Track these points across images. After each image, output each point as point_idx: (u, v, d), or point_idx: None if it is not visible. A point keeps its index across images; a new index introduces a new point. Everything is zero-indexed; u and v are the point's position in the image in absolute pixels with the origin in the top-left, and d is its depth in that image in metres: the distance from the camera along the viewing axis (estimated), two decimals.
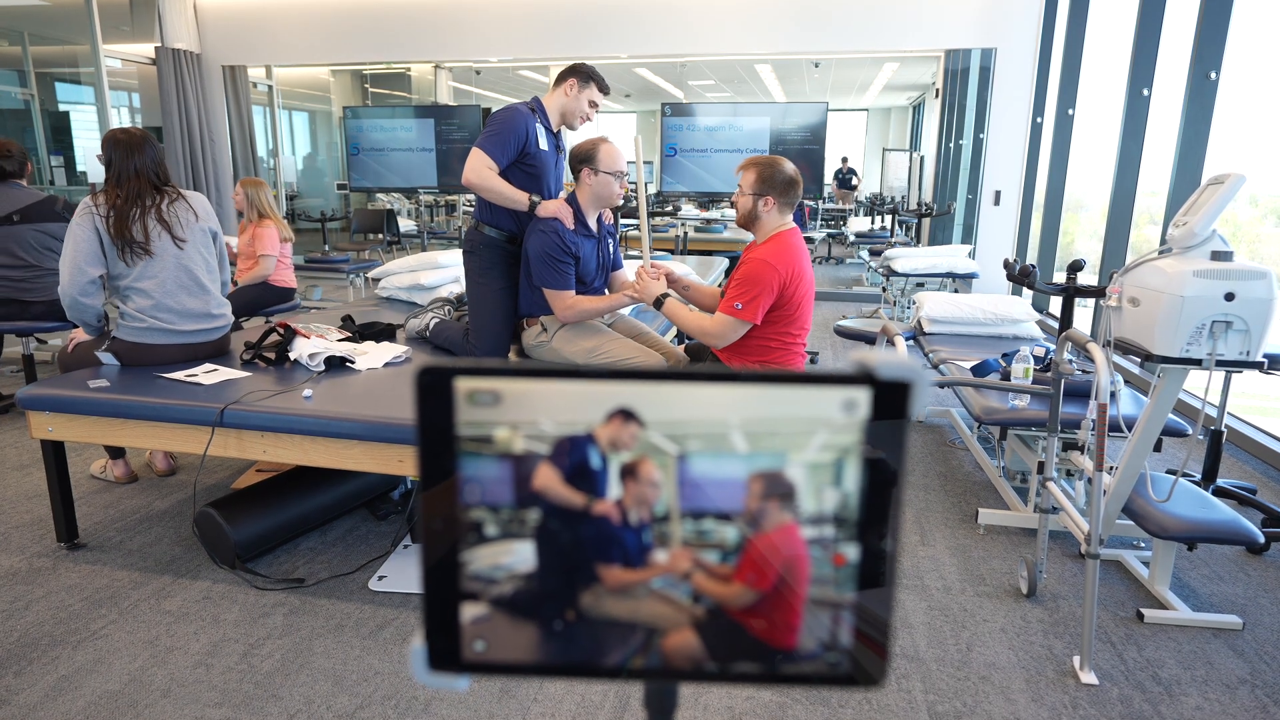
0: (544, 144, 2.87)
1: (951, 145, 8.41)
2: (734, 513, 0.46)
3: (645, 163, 10.89)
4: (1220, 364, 1.79)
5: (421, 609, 0.48)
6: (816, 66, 10.80)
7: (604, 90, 2.92)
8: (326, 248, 7.94)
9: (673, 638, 0.48)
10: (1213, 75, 3.85)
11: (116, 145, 2.60)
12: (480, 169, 2.73)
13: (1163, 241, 1.99)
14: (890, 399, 0.43)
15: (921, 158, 9.36)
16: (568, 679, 0.49)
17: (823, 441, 0.44)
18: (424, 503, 0.46)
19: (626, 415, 0.44)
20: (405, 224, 9.62)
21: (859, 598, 0.47)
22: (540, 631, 0.47)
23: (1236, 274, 1.74)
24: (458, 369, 0.44)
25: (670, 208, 9.20)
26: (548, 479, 0.45)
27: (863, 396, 0.44)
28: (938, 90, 7.62)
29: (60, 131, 8.55)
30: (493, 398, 0.44)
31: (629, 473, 0.46)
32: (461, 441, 0.45)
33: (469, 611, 0.47)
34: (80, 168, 8.32)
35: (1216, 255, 1.79)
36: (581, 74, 2.87)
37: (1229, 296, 1.73)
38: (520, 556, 0.46)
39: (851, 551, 0.45)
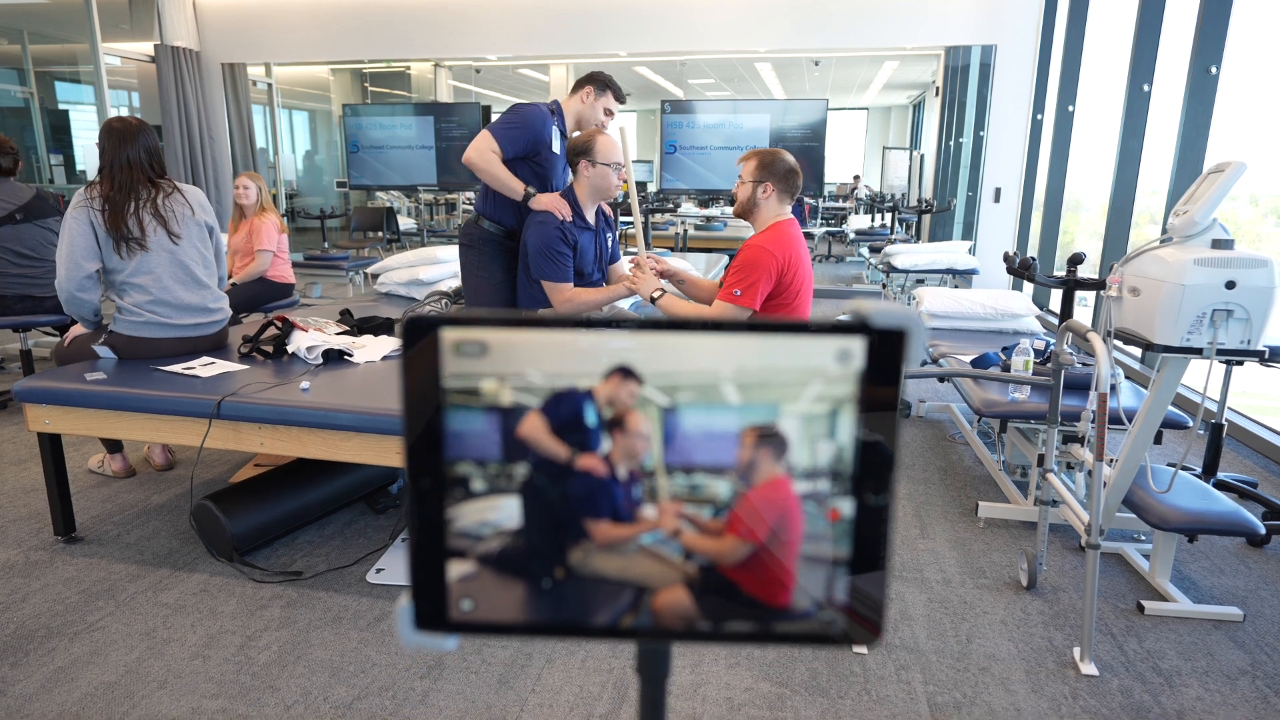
0: (556, 147, 2.91)
1: (952, 143, 8.41)
2: (725, 466, 0.45)
3: (645, 162, 10.90)
4: (1221, 353, 1.78)
5: (407, 567, 0.47)
6: (816, 64, 10.80)
7: (620, 99, 2.98)
8: (326, 245, 7.95)
9: (664, 596, 0.47)
10: (1213, 70, 3.84)
11: (110, 134, 2.59)
12: (484, 150, 2.75)
13: (1164, 233, 1.98)
14: (885, 349, 0.43)
15: (921, 156, 9.36)
16: (556, 638, 0.48)
17: (817, 393, 0.43)
18: (409, 457, 0.45)
19: (626, 373, 0.44)
20: (405, 222, 9.62)
21: (854, 556, 0.46)
22: (528, 590, 0.47)
23: (1237, 262, 1.73)
24: (444, 318, 0.43)
25: (670, 205, 9.20)
26: (534, 428, 0.45)
27: (857, 346, 0.43)
28: (938, 88, 7.62)
29: (60, 130, 8.56)
30: (480, 348, 0.43)
31: (616, 425, 0.45)
32: (448, 393, 0.44)
33: (456, 569, 0.46)
34: (80, 166, 8.32)
35: (1217, 244, 1.78)
36: (598, 82, 2.94)
37: (1230, 285, 1.72)
38: (507, 512, 0.45)
39: (846, 507, 0.44)
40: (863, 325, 0.43)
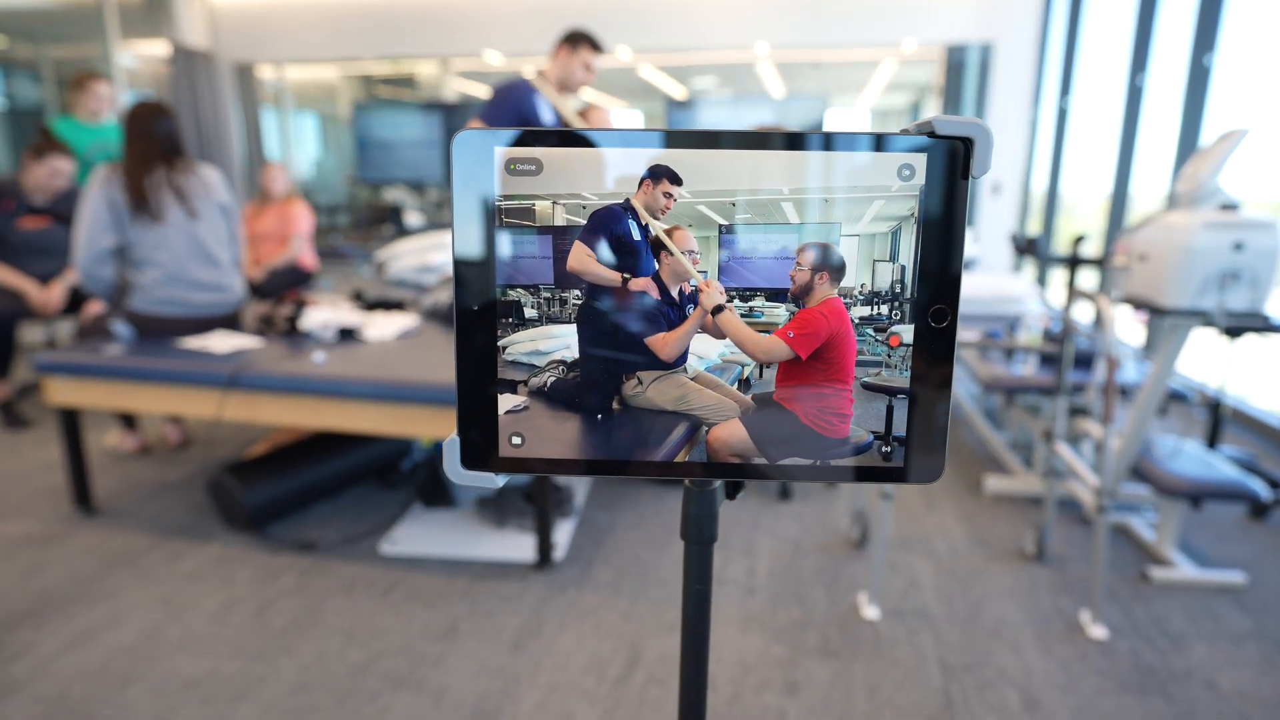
0: (548, 116, 2.89)
1: None
2: (781, 288, 0.44)
3: None
4: (1228, 317, 1.80)
5: (456, 401, 0.46)
6: (816, 67, 10.86)
7: (597, 49, 2.92)
8: (336, 238, 8.00)
9: (720, 430, 0.45)
10: (1209, 62, 3.85)
11: (131, 114, 2.65)
12: None
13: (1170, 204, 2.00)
14: (950, 159, 0.41)
15: None
16: (609, 475, 0.47)
17: (877, 211, 0.42)
18: (459, 283, 0.43)
19: (658, 175, 0.41)
20: (413, 219, 9.68)
21: (915, 387, 0.44)
22: (582, 424, 0.45)
23: (1245, 225, 1.75)
24: (498, 133, 0.41)
25: None
26: (580, 258, 0.43)
27: (920, 161, 0.41)
28: (939, 88, 7.67)
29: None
30: (535, 166, 0.42)
31: (663, 245, 0.44)
32: (500, 214, 0.42)
33: (506, 403, 0.45)
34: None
35: (1225, 207, 1.80)
36: (572, 38, 2.89)
37: (1238, 247, 1.74)
38: (561, 341, 0.44)
39: (906, 333, 0.43)
40: (927, 135, 0.41)
